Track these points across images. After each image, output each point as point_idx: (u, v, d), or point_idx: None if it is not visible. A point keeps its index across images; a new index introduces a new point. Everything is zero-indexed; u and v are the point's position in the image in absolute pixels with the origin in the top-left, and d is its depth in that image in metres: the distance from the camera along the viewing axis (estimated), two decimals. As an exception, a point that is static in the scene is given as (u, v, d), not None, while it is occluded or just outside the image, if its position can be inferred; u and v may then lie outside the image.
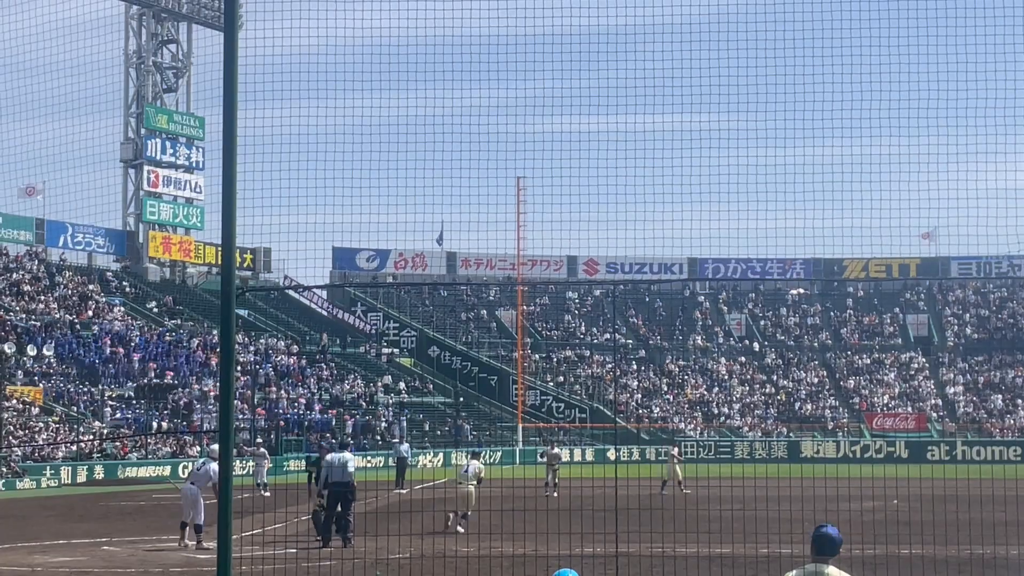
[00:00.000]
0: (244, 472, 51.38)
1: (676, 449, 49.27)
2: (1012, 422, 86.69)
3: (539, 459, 62.06)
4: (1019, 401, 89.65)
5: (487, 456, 73.03)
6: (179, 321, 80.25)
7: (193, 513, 28.02)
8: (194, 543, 27.30)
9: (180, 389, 70.09)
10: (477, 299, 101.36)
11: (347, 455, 29.10)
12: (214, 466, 28.27)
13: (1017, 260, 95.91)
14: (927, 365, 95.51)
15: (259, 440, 58.98)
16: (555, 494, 41.82)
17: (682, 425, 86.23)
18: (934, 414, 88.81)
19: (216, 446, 31.72)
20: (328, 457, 28.99)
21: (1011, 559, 21.52)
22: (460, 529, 29.16)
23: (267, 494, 29.05)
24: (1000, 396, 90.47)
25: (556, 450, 49.96)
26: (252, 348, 76.71)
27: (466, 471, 31.38)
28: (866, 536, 20.93)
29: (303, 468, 62.93)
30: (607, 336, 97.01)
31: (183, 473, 55.58)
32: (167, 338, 75.88)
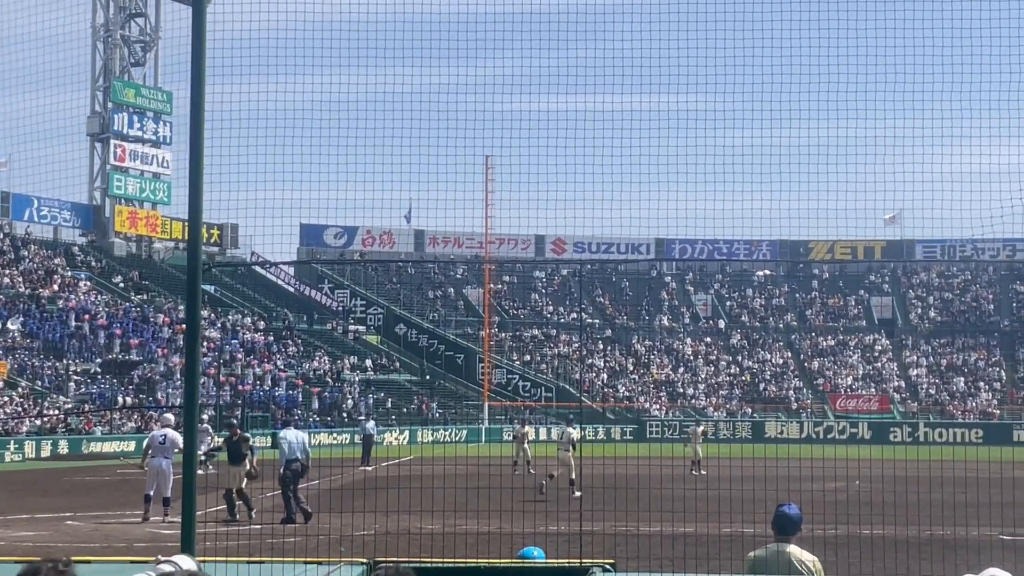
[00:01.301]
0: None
1: (702, 428, 49.68)
2: (974, 405, 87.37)
3: (507, 437, 62.13)
4: (981, 384, 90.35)
5: (452, 434, 73.27)
6: (145, 296, 79.86)
7: (162, 486, 28.05)
8: (161, 517, 27.31)
9: (145, 364, 69.83)
10: (444, 277, 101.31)
11: (302, 433, 29.45)
12: (174, 434, 28.42)
13: (981, 244, 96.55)
14: (891, 347, 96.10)
15: (204, 416, 57.50)
16: (531, 471, 42.02)
17: (647, 405, 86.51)
18: (897, 396, 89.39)
19: (168, 414, 31.84)
20: (288, 434, 29.00)
21: (971, 540, 21.72)
22: (544, 482, 32.91)
23: (212, 470, 28.93)
24: (962, 379, 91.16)
25: (525, 428, 50.01)
26: (219, 324, 76.45)
27: (564, 438, 35.77)
28: (828, 516, 21.07)
29: (269, 445, 62.99)
30: (574, 315, 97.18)
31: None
32: (133, 313, 75.52)
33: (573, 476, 34.00)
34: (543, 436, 74.87)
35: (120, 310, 75.23)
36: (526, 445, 46.77)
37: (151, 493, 28.09)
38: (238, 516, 27.06)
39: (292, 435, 28.92)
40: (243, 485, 27.94)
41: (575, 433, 36.93)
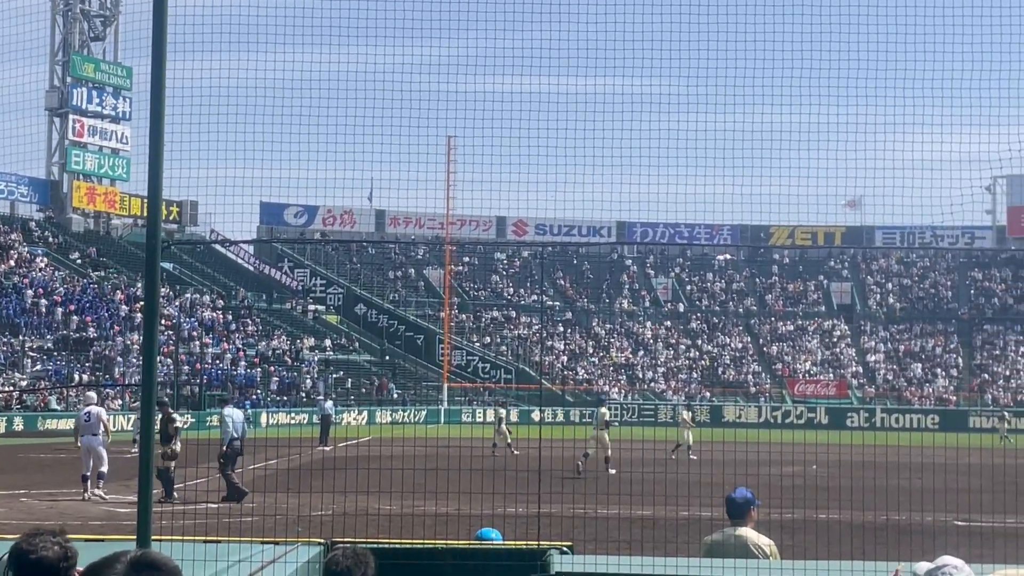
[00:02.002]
0: (126, 429, 50.84)
1: (689, 413, 49.71)
2: (930, 391, 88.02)
3: (490, 419, 62.35)
4: (938, 370, 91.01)
5: (411, 415, 73.21)
6: (103, 273, 79.33)
7: (95, 463, 28.05)
8: (99, 494, 27.38)
9: (102, 342, 69.38)
10: (405, 257, 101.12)
11: (240, 412, 29.58)
12: (97, 410, 28.44)
13: (940, 231, 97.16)
14: (849, 333, 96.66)
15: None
16: (515, 452, 41.87)
17: (607, 388, 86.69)
18: (854, 381, 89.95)
19: (92, 393, 31.81)
20: (233, 413, 29.03)
21: (926, 525, 21.88)
22: (580, 462, 34.68)
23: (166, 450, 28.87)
24: (920, 365, 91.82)
25: (503, 410, 50.47)
26: (177, 303, 76.05)
27: (598, 418, 38.11)
28: (785, 500, 21.18)
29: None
30: (534, 297, 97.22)
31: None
32: (90, 290, 75.01)
33: (608, 454, 36.63)
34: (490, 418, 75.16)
35: (77, 287, 74.71)
36: (504, 427, 47.08)
37: (87, 473, 28.13)
38: (175, 496, 26.94)
39: (236, 413, 29.01)
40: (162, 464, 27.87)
41: (607, 413, 39.69)
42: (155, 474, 28.24)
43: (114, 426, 33.79)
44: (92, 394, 31.29)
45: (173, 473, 27.78)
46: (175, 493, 26.97)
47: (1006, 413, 68.84)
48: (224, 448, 27.61)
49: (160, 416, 29.00)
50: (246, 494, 26.31)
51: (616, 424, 43.48)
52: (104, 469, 28.15)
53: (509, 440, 45.07)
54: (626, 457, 33.33)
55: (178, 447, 27.92)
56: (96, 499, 27.37)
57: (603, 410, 39.64)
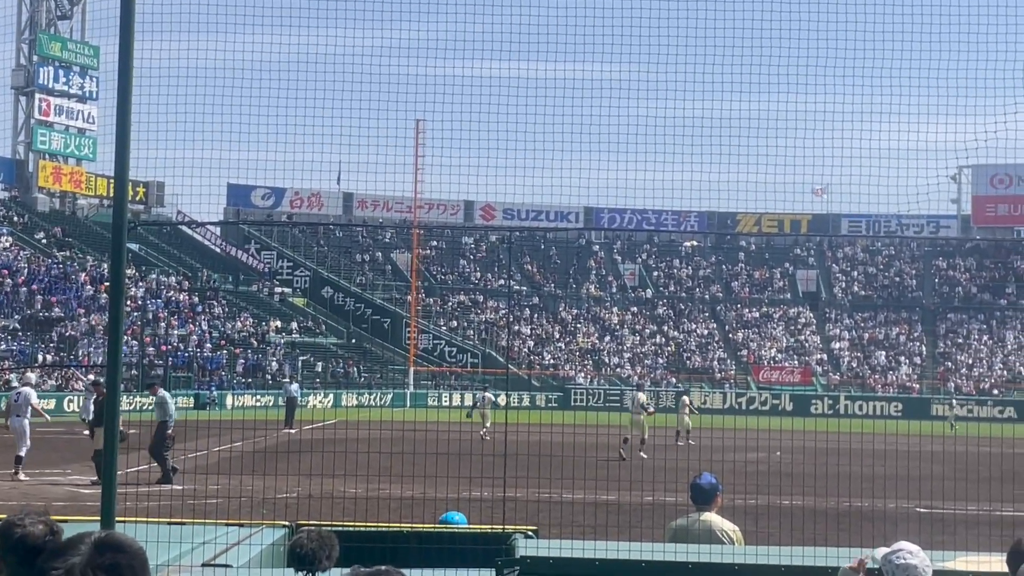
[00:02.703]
0: (73, 410, 50.61)
1: (689, 399, 50.19)
2: (894, 378, 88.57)
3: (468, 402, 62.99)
4: (902, 358, 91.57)
5: (377, 398, 73.20)
6: (68, 253, 78.86)
7: (18, 443, 27.99)
8: (21, 475, 27.39)
9: (67, 322, 69.02)
10: (372, 241, 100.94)
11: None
12: (28, 391, 28.36)
13: (906, 220, 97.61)
14: (814, 320, 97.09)
15: (90, 376, 55.37)
16: (485, 437, 42.00)
17: (573, 373, 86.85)
18: (819, 368, 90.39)
19: (30, 373, 31.73)
20: (166, 395, 29.07)
21: (888, 512, 22.05)
22: (643, 455, 36.44)
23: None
24: (884, 353, 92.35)
25: (488, 393, 51.05)
26: (143, 284, 75.68)
27: (635, 402, 40.33)
28: (749, 486, 21.30)
29: (191, 406, 62.57)
30: (501, 282, 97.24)
31: (68, 407, 54.93)
32: (55, 270, 74.58)
33: (645, 437, 38.89)
34: (468, 402, 75.21)
35: (42, 266, 74.27)
36: (487, 410, 47.44)
37: (22, 453, 28.04)
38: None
39: (168, 396, 29.11)
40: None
41: (644, 397, 42.48)
42: (99, 457, 28.18)
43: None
44: (31, 375, 31.20)
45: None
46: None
47: (954, 400, 69.40)
48: (170, 431, 27.52)
49: (95, 397, 28.86)
50: (171, 480, 26.30)
51: (652, 410, 44.24)
52: (23, 453, 27.99)
53: (487, 425, 45.34)
54: (591, 442, 33.43)
55: (123, 429, 27.76)
56: (76, 481, 27.24)
57: (640, 395, 41.94)
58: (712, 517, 9.91)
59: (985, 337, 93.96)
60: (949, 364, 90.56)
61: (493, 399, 50.83)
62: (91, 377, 44.85)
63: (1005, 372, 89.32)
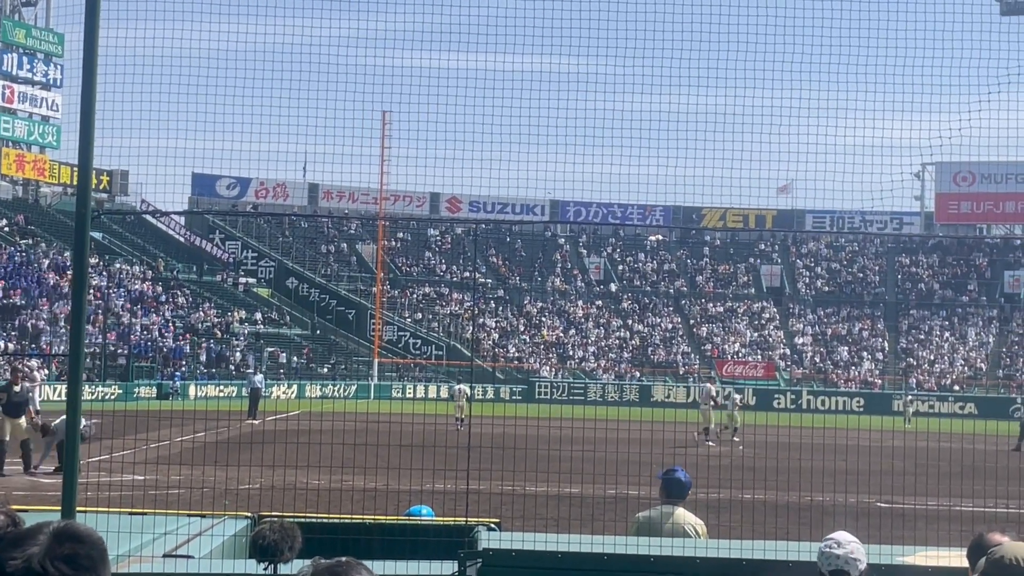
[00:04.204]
0: (52, 399, 50.22)
1: (740, 396, 50.96)
2: (856, 374, 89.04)
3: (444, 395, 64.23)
4: (864, 354, 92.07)
5: (341, 389, 73.06)
6: (31, 241, 78.34)
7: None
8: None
9: (29, 311, 68.58)
10: (338, 232, 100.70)
11: None
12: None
13: (869, 216, 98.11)
14: (778, 315, 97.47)
15: (31, 362, 53.47)
16: (459, 427, 42.83)
17: (537, 366, 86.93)
18: (782, 363, 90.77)
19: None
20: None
21: (849, 507, 22.17)
22: (711, 444, 38.99)
23: (37, 421, 28.42)
24: (846, 348, 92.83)
25: (462, 386, 52.39)
26: (105, 273, 75.28)
27: (703, 393, 43.23)
28: (712, 480, 21.37)
29: (154, 396, 62.32)
30: (467, 274, 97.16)
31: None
32: (17, 258, 74.07)
33: (710, 426, 41.45)
34: (432, 394, 75.23)
35: (4, 255, 73.76)
36: (463, 402, 48.45)
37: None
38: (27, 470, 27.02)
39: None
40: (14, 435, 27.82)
41: (713, 389, 44.67)
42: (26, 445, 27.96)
43: (40, 396, 33.30)
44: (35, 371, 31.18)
45: (35, 445, 27.58)
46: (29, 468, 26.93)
47: (910, 396, 69.83)
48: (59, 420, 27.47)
49: (9, 384, 28.63)
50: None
51: (725, 405, 45.49)
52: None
53: (462, 415, 46.05)
54: (555, 435, 33.50)
55: (39, 420, 27.65)
56: (42, 471, 27.19)
57: (710, 386, 44.74)
58: (679, 511, 9.95)
59: (947, 334, 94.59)
60: (911, 360, 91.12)
61: (468, 392, 52.24)
62: (32, 364, 44.01)
63: (966, 368, 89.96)
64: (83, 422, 10.44)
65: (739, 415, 46.59)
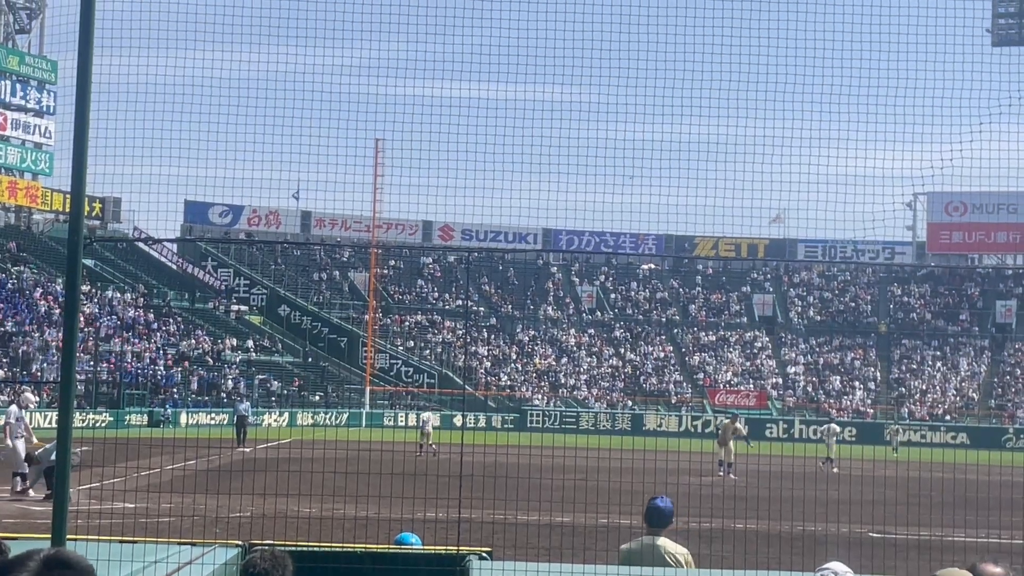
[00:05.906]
0: (43, 426, 50.07)
1: (839, 428, 51.60)
2: (848, 403, 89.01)
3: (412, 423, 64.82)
4: (856, 383, 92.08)
5: (333, 417, 72.94)
6: (23, 268, 78.22)
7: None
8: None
9: (20, 337, 68.44)
10: (330, 260, 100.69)
11: None
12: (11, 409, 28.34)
13: (862, 246, 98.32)
14: (770, 344, 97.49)
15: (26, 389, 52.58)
16: (425, 453, 43.78)
17: (529, 394, 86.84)
18: (774, 392, 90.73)
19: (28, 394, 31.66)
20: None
21: (841, 536, 22.14)
22: (734, 478, 38.05)
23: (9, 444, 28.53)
24: (838, 377, 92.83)
25: (428, 414, 53.70)
26: (96, 300, 75.16)
27: (725, 430, 43.79)
28: (703, 509, 21.33)
29: (145, 424, 62.17)
30: (459, 302, 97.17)
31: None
32: (10, 285, 73.95)
33: (730, 461, 41.57)
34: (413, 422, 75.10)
35: (-4, 281, 73.64)
36: (429, 429, 49.51)
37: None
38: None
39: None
40: None
41: (738, 425, 45.55)
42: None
43: (32, 423, 33.21)
44: (29, 395, 31.25)
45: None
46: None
47: (898, 427, 69.85)
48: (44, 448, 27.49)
49: None
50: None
51: (746, 440, 46.22)
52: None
53: (430, 442, 46.66)
54: (547, 464, 33.44)
55: (10, 443, 27.78)
56: (33, 499, 27.22)
57: (728, 422, 45.46)
58: (664, 541, 9.93)
59: (939, 363, 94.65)
60: (903, 390, 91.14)
61: (435, 420, 53.79)
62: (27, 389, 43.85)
63: (958, 398, 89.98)
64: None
65: (835, 448, 48.17)
